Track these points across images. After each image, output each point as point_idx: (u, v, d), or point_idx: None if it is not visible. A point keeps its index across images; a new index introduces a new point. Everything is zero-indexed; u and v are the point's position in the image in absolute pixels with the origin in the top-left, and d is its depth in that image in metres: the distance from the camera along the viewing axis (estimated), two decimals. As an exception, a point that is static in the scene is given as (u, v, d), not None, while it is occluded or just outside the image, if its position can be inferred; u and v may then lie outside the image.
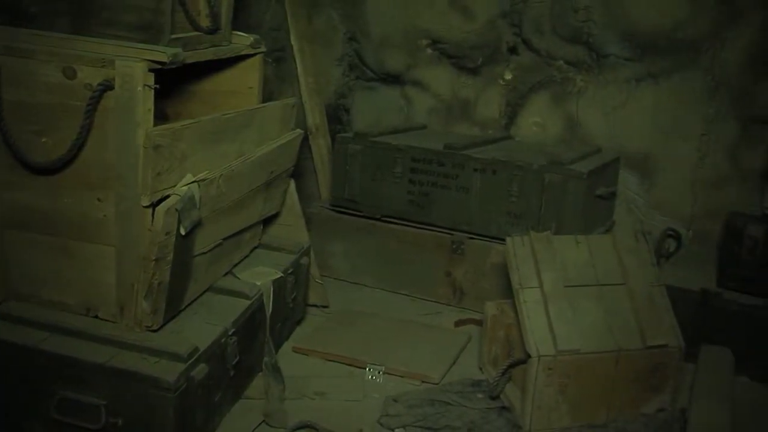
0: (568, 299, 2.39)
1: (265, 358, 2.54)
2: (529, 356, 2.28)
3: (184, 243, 2.17)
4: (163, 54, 2.03)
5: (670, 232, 3.44)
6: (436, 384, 2.62)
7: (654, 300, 2.47)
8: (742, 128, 3.34)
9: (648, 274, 2.53)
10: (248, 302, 2.46)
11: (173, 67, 2.07)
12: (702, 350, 2.75)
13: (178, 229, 2.08)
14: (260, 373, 2.54)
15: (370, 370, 2.67)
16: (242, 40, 2.64)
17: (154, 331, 2.17)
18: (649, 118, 3.48)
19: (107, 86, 1.98)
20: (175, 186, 2.11)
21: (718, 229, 3.20)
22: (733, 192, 3.37)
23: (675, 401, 2.48)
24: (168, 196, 2.06)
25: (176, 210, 2.04)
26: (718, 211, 3.28)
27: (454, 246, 3.22)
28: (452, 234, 3.24)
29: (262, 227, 2.87)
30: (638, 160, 3.53)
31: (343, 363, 2.73)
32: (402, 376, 2.66)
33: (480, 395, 2.53)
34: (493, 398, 2.49)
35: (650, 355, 2.39)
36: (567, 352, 2.29)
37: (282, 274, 2.70)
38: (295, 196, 2.99)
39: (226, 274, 2.61)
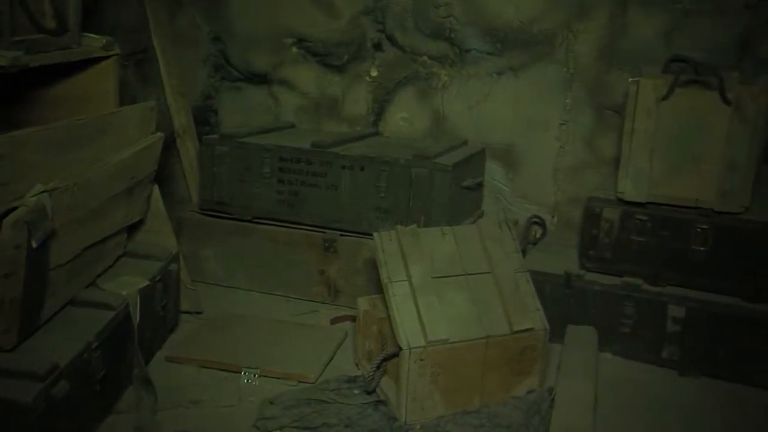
0: (436, 290, 2.44)
1: (135, 370, 2.45)
2: (401, 349, 2.31)
3: (38, 256, 2.07)
4: (2, 58, 1.93)
5: (535, 220, 3.56)
6: (313, 383, 2.61)
7: (519, 286, 2.55)
8: (597, 117, 3.49)
9: (512, 261, 2.61)
10: (113, 313, 2.38)
11: (14, 71, 1.97)
12: (568, 330, 2.87)
13: (29, 242, 1.98)
14: (131, 386, 2.46)
15: (245, 373, 2.63)
16: (93, 42, 2.54)
17: (8, 351, 2.06)
18: (511, 110, 3.59)
19: (-61, 94, 1.87)
20: (23, 197, 2.00)
21: (579, 215, 3.34)
22: (592, 178, 3.50)
23: (543, 381, 2.57)
24: (15, 208, 1.96)
25: (25, 222, 1.94)
26: (579, 197, 3.41)
27: (326, 244, 3.22)
28: (324, 232, 3.24)
29: (126, 235, 2.78)
30: (503, 150, 3.64)
31: (218, 369, 2.68)
32: (278, 378, 2.63)
33: (356, 391, 2.53)
34: (369, 393, 2.50)
35: (517, 339, 2.46)
36: (437, 343, 2.33)
37: (149, 282, 2.62)
38: (160, 202, 2.91)
39: (88, 285, 2.51)
